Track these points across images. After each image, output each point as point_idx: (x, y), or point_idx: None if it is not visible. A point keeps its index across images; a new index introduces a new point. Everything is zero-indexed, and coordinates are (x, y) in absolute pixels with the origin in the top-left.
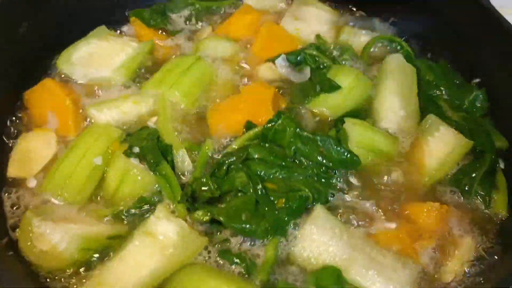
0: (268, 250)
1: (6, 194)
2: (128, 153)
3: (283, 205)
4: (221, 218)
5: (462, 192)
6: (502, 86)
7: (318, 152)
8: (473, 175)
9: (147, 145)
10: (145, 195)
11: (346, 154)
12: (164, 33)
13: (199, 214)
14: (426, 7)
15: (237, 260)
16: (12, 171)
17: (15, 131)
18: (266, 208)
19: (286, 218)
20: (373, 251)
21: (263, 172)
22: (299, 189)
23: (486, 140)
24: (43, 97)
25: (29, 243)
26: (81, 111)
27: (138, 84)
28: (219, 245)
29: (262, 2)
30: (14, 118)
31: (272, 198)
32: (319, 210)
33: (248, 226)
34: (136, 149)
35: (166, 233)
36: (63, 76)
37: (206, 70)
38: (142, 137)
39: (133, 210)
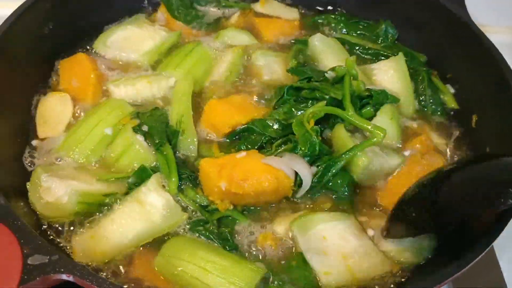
0: None
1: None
2: (136, 129)
3: None
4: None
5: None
6: None
7: None
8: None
9: (156, 126)
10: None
11: None
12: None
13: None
14: None
15: (211, 236)
16: (41, 132)
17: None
18: None
19: None
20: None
21: None
22: None
23: (413, 58)
24: (73, 66)
25: (37, 195)
26: (101, 85)
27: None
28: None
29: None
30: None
31: None
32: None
33: None
34: (145, 128)
35: (152, 204)
36: (96, 54)
37: (206, 54)
38: (154, 118)
39: (130, 179)
